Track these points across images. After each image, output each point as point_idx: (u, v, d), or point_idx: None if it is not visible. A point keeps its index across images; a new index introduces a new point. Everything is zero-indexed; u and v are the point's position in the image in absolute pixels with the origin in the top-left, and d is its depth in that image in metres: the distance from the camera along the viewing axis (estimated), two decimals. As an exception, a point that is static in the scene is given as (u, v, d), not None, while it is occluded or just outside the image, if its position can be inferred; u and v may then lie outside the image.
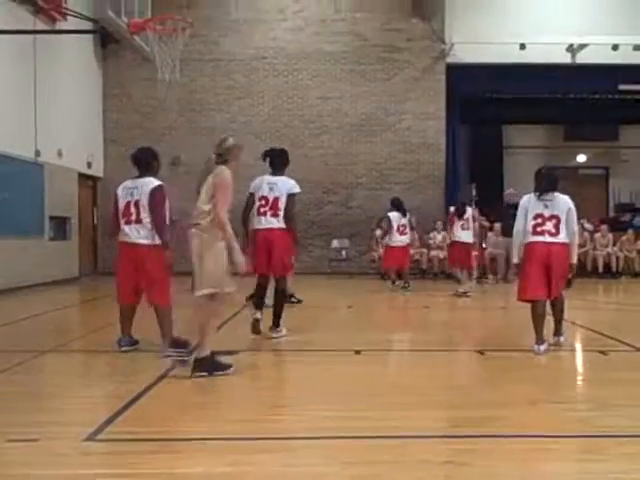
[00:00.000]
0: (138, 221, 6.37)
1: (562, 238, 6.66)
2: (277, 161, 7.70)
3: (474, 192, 17.67)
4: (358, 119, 17.57)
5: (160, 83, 12.88)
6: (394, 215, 12.69)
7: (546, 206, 6.69)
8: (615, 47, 16.66)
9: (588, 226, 16.46)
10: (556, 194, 6.74)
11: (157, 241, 6.38)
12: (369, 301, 12.01)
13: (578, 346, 7.64)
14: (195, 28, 14.81)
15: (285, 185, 7.49)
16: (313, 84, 17.59)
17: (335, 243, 15.55)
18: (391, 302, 12.22)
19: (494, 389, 5.43)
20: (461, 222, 12.31)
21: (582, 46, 17.04)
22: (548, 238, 6.64)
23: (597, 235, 16.49)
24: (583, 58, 17.23)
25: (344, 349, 6.95)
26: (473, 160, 18.85)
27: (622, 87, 17.27)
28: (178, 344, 5.65)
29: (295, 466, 3.61)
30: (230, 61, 17.56)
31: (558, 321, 7.07)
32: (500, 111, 18.71)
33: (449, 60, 17.43)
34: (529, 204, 6.76)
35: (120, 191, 6.57)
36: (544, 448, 3.87)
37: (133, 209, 6.38)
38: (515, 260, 6.94)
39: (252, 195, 7.55)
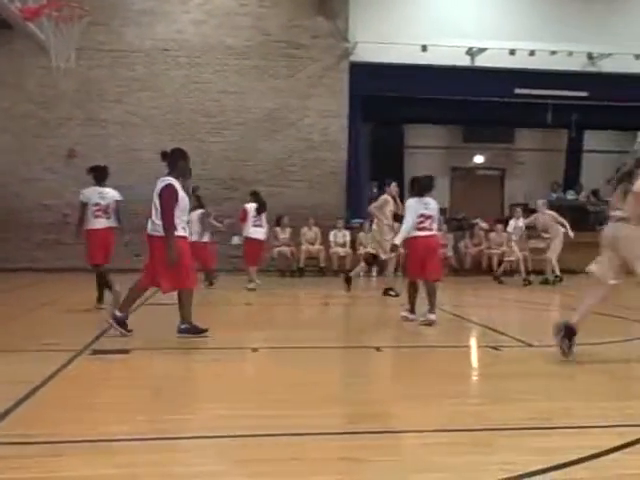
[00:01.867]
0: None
1: (435, 232, 8.53)
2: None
3: (375, 190, 17.89)
4: (261, 115, 17.44)
5: (55, 72, 12.43)
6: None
7: (426, 207, 8.42)
8: (512, 52, 17.16)
9: (483, 225, 16.90)
10: (430, 198, 8.54)
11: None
12: (268, 298, 11.94)
13: (472, 342, 7.81)
14: (95, 17, 14.44)
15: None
16: (216, 78, 17.35)
17: (235, 239, 15.35)
18: (290, 299, 12.20)
19: (390, 385, 5.46)
20: (254, 219, 12.65)
21: (481, 50, 17.48)
22: (427, 233, 8.38)
23: (492, 234, 16.94)
24: (482, 62, 17.67)
25: (241, 347, 6.87)
26: (374, 159, 19.01)
27: (518, 91, 17.78)
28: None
29: (186, 466, 3.51)
30: (131, 52, 17.11)
31: (431, 302, 8.44)
32: (402, 111, 18.93)
33: (352, 59, 17.54)
34: (416, 205, 8.39)
35: None
36: (436, 442, 3.91)
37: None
38: (397, 242, 8.69)
39: None
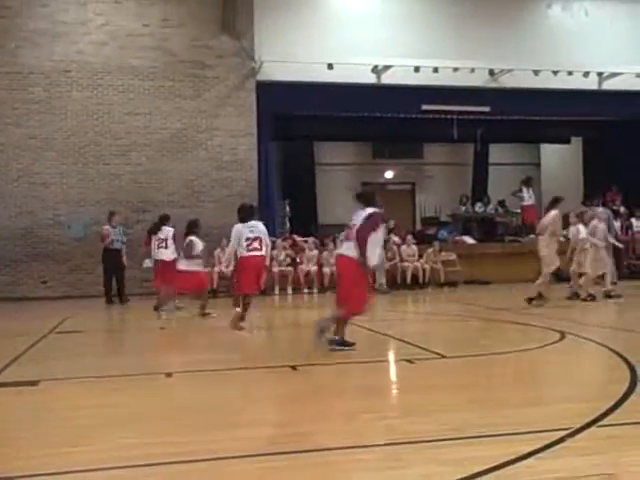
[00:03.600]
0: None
1: (263, 252, 9.63)
2: None
3: (287, 209, 17.85)
4: (168, 136, 17.16)
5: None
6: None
7: (252, 231, 9.58)
8: (417, 69, 17.45)
9: (396, 239, 17.06)
10: (256, 222, 9.75)
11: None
12: (184, 322, 11.68)
13: (387, 356, 7.80)
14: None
15: None
16: (120, 100, 16.99)
17: (147, 263, 15.03)
18: (206, 322, 11.97)
19: (306, 404, 5.37)
20: (157, 241, 12.59)
21: (386, 67, 17.71)
22: (256, 253, 9.52)
23: (403, 247, 17.12)
24: (388, 79, 17.90)
25: (154, 372, 6.65)
26: (286, 177, 19.02)
27: (424, 107, 18.09)
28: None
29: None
30: (29, 73, 16.58)
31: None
32: (311, 128, 19.03)
33: (259, 78, 17.49)
34: (242, 229, 9.60)
35: None
36: (353, 459, 3.85)
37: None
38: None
39: None
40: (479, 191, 21.34)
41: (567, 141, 22.62)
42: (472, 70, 17.72)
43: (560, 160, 23.56)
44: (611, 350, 7.08)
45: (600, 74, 18.56)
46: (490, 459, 3.66)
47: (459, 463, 3.67)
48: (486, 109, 18.24)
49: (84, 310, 13.73)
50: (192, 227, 11.60)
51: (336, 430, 4.47)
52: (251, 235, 9.62)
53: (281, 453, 3.97)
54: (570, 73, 18.12)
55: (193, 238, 11.43)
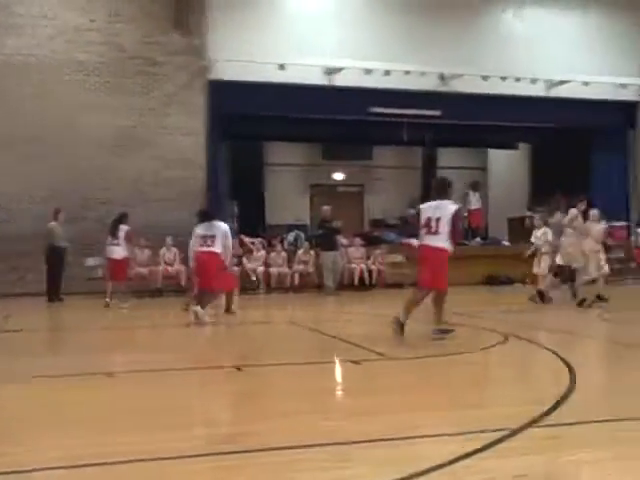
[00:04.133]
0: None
1: (216, 249, 10.20)
2: None
3: (236, 209, 17.74)
4: (116, 133, 16.86)
5: None
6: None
7: (208, 230, 10.30)
8: (368, 71, 17.52)
9: (344, 241, 17.10)
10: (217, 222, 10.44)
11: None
12: (126, 320, 11.54)
13: (332, 357, 7.80)
14: None
15: None
16: (67, 95, 16.64)
17: (90, 261, 14.85)
18: (149, 320, 11.84)
19: (251, 404, 5.35)
20: (113, 239, 13.34)
21: (338, 69, 17.74)
22: (206, 249, 10.20)
23: (351, 249, 17.17)
24: (339, 81, 17.92)
25: (95, 372, 6.53)
26: (234, 177, 18.87)
27: (374, 110, 18.16)
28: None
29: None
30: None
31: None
32: (261, 129, 18.95)
33: (210, 77, 17.34)
34: (196, 229, 10.48)
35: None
36: (295, 459, 3.83)
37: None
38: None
39: None
40: (427, 194, 21.47)
41: (514, 147, 22.96)
42: (423, 74, 17.86)
43: (507, 165, 23.92)
44: (552, 352, 7.20)
45: (548, 81, 18.87)
46: (430, 459, 3.68)
47: (400, 463, 3.69)
48: (436, 113, 18.39)
49: (24, 308, 13.46)
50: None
51: (280, 430, 4.44)
52: (202, 233, 10.35)
53: (226, 453, 3.94)
54: (518, 79, 18.41)
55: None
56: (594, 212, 13.13)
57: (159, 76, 17.14)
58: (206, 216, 10.72)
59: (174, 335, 9.76)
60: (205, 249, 10.26)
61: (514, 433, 4.20)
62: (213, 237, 10.25)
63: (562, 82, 18.82)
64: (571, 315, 11.51)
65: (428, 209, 8.33)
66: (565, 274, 12.66)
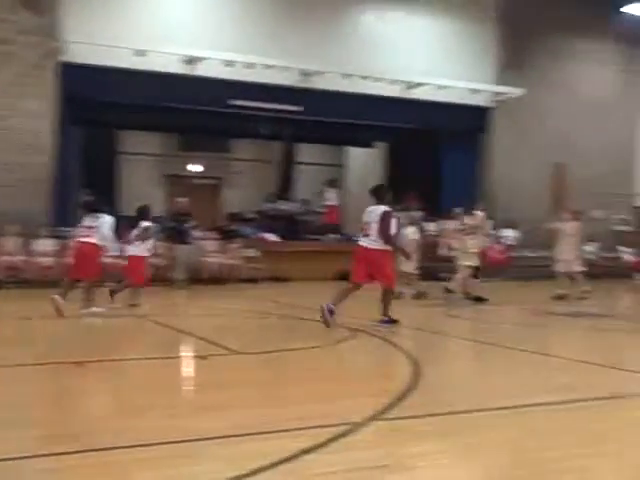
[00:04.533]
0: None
1: (94, 240, 10.17)
2: None
3: (86, 198, 17.05)
4: (-43, 113, 15.74)
5: None
6: None
7: (93, 221, 10.24)
8: (229, 63, 17.29)
9: (198, 234, 16.81)
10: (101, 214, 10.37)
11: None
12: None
13: (182, 352, 7.63)
14: None
15: None
16: None
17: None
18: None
19: (93, 402, 5.15)
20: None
21: (198, 59, 17.39)
22: (83, 239, 10.21)
23: (206, 242, 16.91)
24: (199, 71, 17.58)
25: None
26: (85, 164, 18.12)
27: (234, 102, 17.96)
28: None
29: None
30: None
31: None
32: (116, 116, 18.29)
33: (62, 59, 16.53)
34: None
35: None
36: (141, 457, 3.72)
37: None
38: None
39: None
40: (285, 189, 21.57)
41: (372, 145, 23.41)
42: (285, 69, 17.81)
43: (364, 163, 24.36)
44: (398, 347, 7.35)
45: (406, 83, 19.33)
46: (275, 454, 3.67)
47: (246, 458, 3.65)
48: (296, 108, 18.43)
49: None
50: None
51: (125, 428, 4.28)
52: (85, 224, 10.36)
53: (64, 453, 3.74)
54: (378, 79, 18.73)
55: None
56: (478, 213, 13.71)
57: (6, 55, 16.11)
58: (90, 207, 10.72)
59: (16, 329, 9.23)
60: (84, 239, 10.24)
61: (358, 427, 4.26)
62: (94, 228, 10.22)
63: (419, 84, 19.33)
64: (419, 311, 11.85)
65: (366, 213, 9.21)
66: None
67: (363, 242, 9.15)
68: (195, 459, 3.74)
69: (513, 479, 3.54)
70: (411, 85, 19.37)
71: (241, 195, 21.75)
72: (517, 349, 7.59)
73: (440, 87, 19.38)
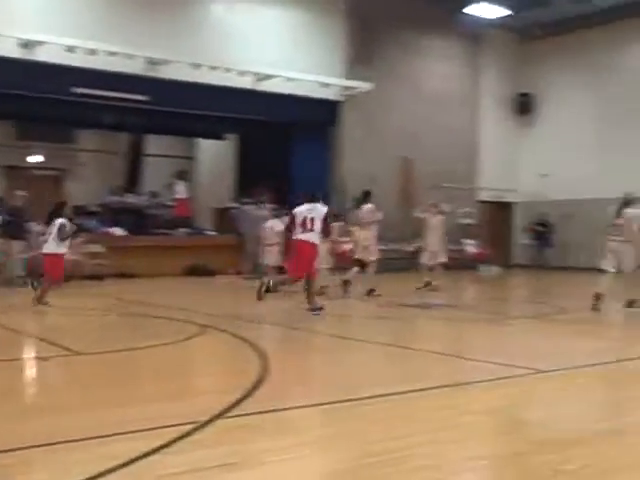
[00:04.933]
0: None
1: None
2: None
3: None
4: None
5: None
6: None
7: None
8: (71, 49, 16.47)
9: (38, 228, 15.91)
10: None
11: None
12: None
13: (21, 354, 7.20)
14: None
15: None
16: None
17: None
18: None
19: None
20: None
21: (37, 43, 16.46)
22: None
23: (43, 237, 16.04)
24: (38, 56, 16.65)
25: None
26: None
27: (77, 90, 17.15)
28: None
29: None
30: None
31: None
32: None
33: None
34: None
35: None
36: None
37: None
38: None
39: None
40: (132, 182, 20.89)
41: (222, 137, 23.14)
42: (130, 57, 17.18)
43: (215, 155, 24.05)
44: (249, 343, 7.23)
45: (255, 74, 19.18)
46: (118, 458, 3.50)
47: (84, 464, 3.48)
48: (143, 98, 17.84)
49: None
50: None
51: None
52: None
53: None
54: (228, 70, 18.47)
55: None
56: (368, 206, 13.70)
57: None
58: None
59: None
60: None
61: (204, 425, 4.14)
62: None
63: (269, 76, 19.24)
64: (275, 306, 11.78)
65: (304, 211, 10.01)
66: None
67: (306, 237, 9.88)
68: (28, 467, 3.53)
69: (361, 470, 3.51)
70: (261, 77, 19.26)
71: (85, 187, 20.80)
72: (367, 341, 7.68)
73: (290, 80, 19.38)
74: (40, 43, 16.34)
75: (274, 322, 9.87)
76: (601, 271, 10.75)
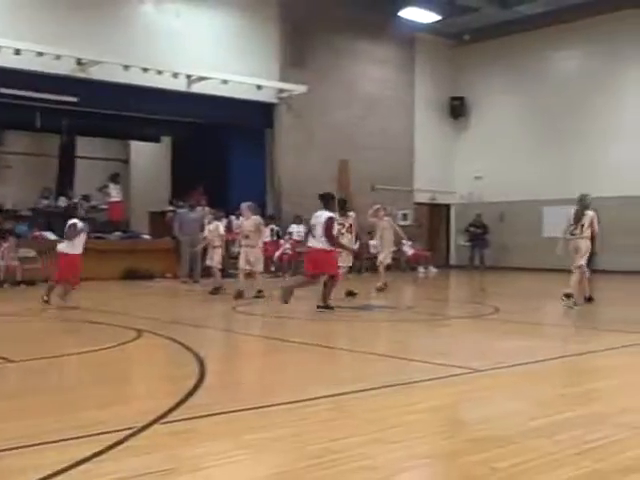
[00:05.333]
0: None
1: None
2: None
3: None
4: None
5: None
6: None
7: None
8: (-4, 49, 16.01)
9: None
10: None
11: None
12: None
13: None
14: None
15: None
16: None
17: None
18: None
19: None
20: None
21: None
22: None
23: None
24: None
25: None
26: None
27: (3, 91, 16.66)
28: None
29: None
30: None
31: None
32: None
33: None
34: None
35: None
36: None
37: None
38: None
39: None
40: (64, 185, 20.40)
41: (157, 139, 22.84)
42: (58, 57, 16.78)
43: (150, 158, 23.73)
44: (186, 347, 7.12)
45: (189, 76, 18.99)
46: (51, 466, 3.41)
47: (20, 472, 3.39)
48: (73, 99, 17.48)
49: None
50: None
51: None
52: None
53: None
54: (160, 72, 18.22)
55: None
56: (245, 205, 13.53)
57: None
58: None
59: None
60: None
61: (139, 431, 4.06)
62: None
63: (202, 78, 19.06)
64: (210, 309, 11.65)
65: (312, 218, 10.84)
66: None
67: (312, 242, 10.74)
68: None
69: (299, 472, 3.48)
70: (194, 79, 19.08)
71: (15, 191, 20.28)
72: (307, 343, 7.64)
73: (224, 82, 19.25)
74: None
75: (211, 326, 9.76)
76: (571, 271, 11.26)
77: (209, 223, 14.35)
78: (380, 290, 14.15)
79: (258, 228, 12.87)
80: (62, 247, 11.36)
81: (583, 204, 11.52)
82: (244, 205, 13.11)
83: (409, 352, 7.52)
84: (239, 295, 12.50)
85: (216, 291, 13.56)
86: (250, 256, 12.74)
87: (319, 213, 10.72)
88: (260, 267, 13.00)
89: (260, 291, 12.72)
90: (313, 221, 10.78)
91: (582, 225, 11.23)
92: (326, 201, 10.94)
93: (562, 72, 22.86)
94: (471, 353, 7.17)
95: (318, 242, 10.54)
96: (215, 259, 13.91)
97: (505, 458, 3.64)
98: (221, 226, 14.22)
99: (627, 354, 7.03)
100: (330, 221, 10.55)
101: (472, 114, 25.10)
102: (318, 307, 10.58)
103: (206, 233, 14.37)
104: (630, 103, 21.09)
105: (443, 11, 21.95)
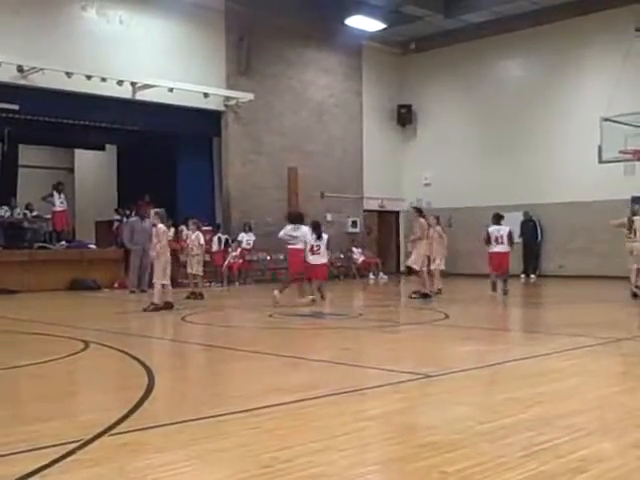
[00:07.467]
0: None
1: None
2: None
3: None
4: None
5: None
6: None
7: None
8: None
9: None
10: None
11: None
12: None
13: None
14: None
15: None
16: None
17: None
18: None
19: None
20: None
21: None
22: None
23: None
24: None
25: None
26: None
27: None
28: None
29: None
30: None
31: None
32: None
33: None
34: None
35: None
36: None
37: None
38: None
39: None
40: (6, 194, 19.94)
41: (102, 148, 22.54)
42: (-2, 64, 16.44)
43: (96, 166, 23.43)
44: (134, 358, 7.02)
45: (134, 84, 18.75)
46: None
47: None
48: (14, 107, 17.14)
49: None
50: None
51: None
52: None
53: None
54: (104, 79, 17.95)
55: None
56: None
57: None
58: None
59: None
60: None
61: (85, 444, 3.98)
62: None
63: (148, 86, 18.85)
64: (159, 319, 11.50)
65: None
66: None
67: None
68: None
69: (251, 482, 3.44)
70: (139, 86, 18.86)
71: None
72: (258, 352, 7.59)
73: (170, 90, 19.06)
74: None
75: (160, 336, 9.65)
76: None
77: (192, 232, 14.63)
78: (438, 293, 14.78)
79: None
80: None
81: (632, 210, 13.59)
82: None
83: (360, 359, 7.54)
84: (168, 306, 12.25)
85: (197, 296, 14.31)
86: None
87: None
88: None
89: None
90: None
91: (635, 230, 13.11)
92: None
93: (506, 80, 23.26)
94: (421, 359, 7.21)
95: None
96: (194, 267, 14.46)
97: (455, 462, 3.66)
98: (201, 236, 14.66)
99: (573, 357, 7.15)
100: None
101: (419, 121, 25.33)
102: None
103: (188, 241, 14.75)
104: (571, 111, 21.53)
105: (389, 20, 22.11)
